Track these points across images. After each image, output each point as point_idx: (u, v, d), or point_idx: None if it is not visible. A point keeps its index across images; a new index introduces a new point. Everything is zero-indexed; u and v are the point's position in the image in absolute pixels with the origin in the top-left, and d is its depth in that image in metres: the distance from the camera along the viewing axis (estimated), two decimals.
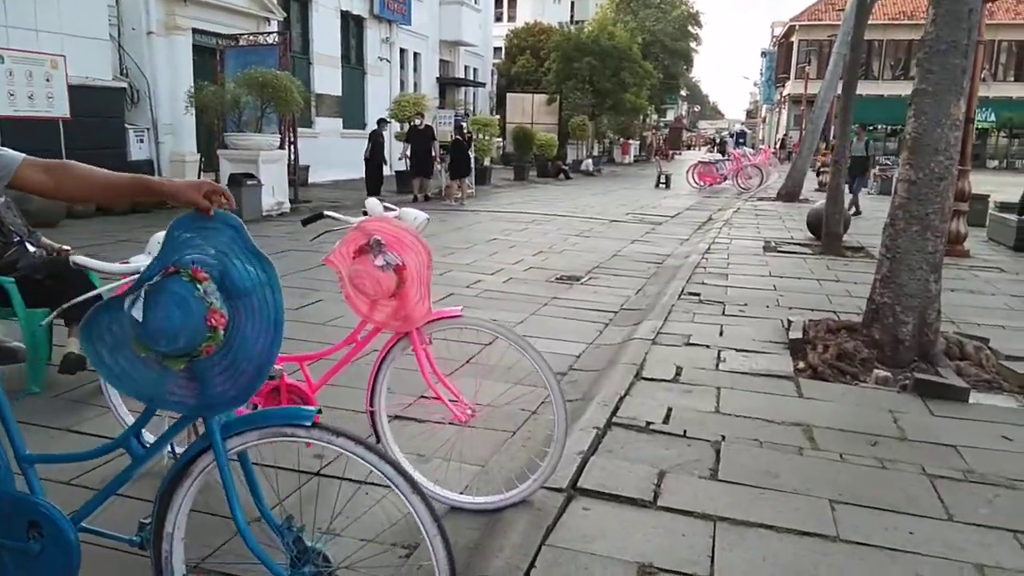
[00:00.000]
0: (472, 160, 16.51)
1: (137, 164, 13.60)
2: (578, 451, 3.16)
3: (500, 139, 32.15)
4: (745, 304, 6.19)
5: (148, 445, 1.82)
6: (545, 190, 20.19)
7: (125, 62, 13.86)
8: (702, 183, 22.06)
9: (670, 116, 68.52)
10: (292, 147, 13.74)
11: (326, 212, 2.89)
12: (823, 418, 3.73)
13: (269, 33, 13.95)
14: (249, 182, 11.18)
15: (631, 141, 41.72)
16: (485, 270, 7.69)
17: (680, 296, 6.43)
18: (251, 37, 13.93)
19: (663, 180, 22.09)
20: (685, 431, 3.50)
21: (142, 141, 13.89)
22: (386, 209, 2.89)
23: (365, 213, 2.81)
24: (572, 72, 30.95)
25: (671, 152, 46.36)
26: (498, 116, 33.07)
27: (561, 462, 2.87)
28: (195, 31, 14.87)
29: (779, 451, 3.33)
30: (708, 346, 4.90)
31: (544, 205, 15.44)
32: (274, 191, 12.00)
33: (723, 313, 5.88)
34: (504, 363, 3.63)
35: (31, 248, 4.06)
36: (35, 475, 1.84)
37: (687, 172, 22.76)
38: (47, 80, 10.78)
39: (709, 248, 9.38)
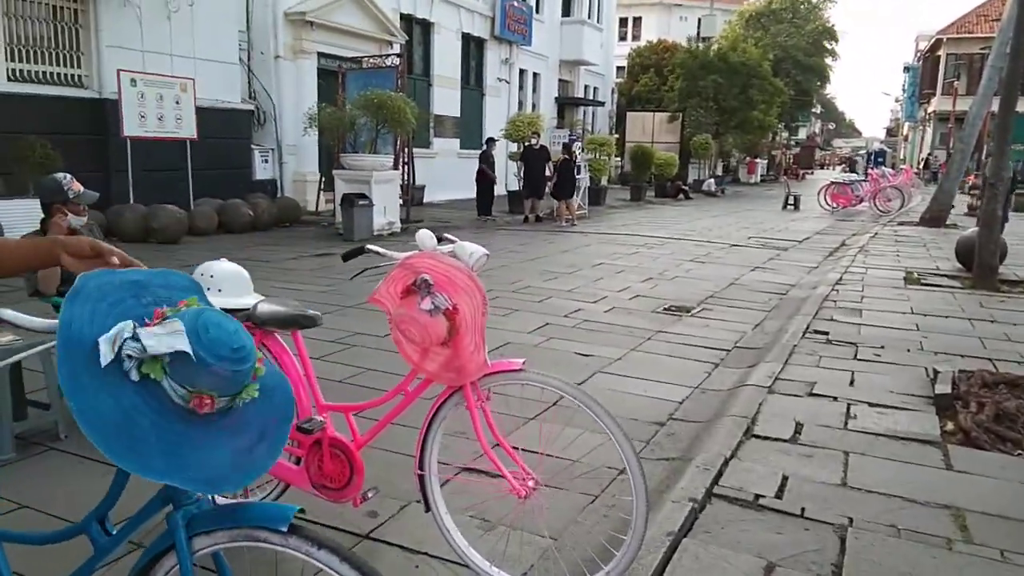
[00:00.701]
0: (580, 180, 16.10)
1: (261, 183, 14.12)
2: (667, 532, 2.65)
3: (618, 159, 31.65)
4: (882, 347, 5.41)
5: (113, 533, 1.50)
6: (662, 211, 19.45)
7: (253, 85, 14.44)
8: (835, 205, 20.61)
9: (802, 134, 65.49)
10: (406, 167, 13.81)
11: (368, 247, 2.55)
12: (978, 500, 3.03)
13: (388, 56, 14.13)
14: (361, 202, 11.25)
15: (758, 160, 40.02)
16: (587, 297, 7.23)
17: (804, 334, 5.72)
18: (371, 60, 14.16)
19: (791, 201, 20.80)
20: (803, 510, 2.91)
21: (266, 161, 14.40)
22: (442, 241, 2.51)
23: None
24: (696, 90, 29.98)
25: (801, 171, 44.12)
26: (617, 135, 32.63)
27: (645, 545, 2.38)
28: (320, 55, 15.34)
29: (922, 544, 2.68)
30: (835, 398, 4.22)
31: (659, 227, 14.77)
32: (386, 211, 12.04)
33: (855, 357, 5.14)
34: (575, 423, 3.15)
35: None
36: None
37: (819, 193, 21.34)
38: (176, 102, 11.30)
39: (841, 278, 8.49)
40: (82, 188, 3.89)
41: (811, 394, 4.29)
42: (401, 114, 11.56)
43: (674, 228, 14.63)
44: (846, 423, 3.86)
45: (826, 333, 5.79)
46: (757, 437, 3.64)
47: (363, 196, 11.35)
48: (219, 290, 2.65)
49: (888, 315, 6.56)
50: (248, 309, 2.56)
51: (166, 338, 1.25)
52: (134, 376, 1.25)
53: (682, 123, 30.09)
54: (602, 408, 2.25)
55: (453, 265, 2.21)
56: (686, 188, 25.00)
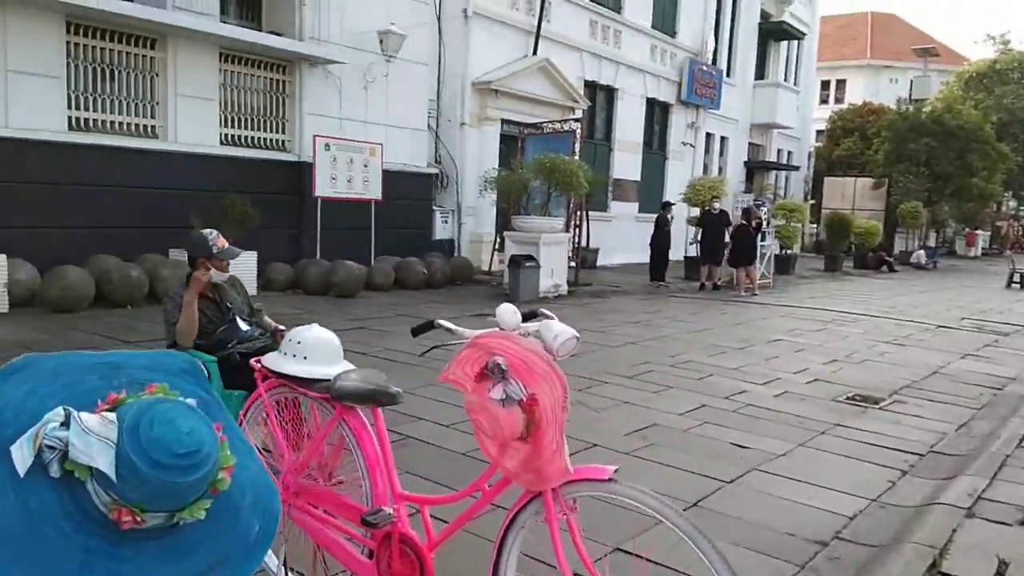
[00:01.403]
0: (765, 248, 15.13)
1: (440, 242, 14.59)
2: None
3: (814, 225, 29.72)
4: None
5: None
6: (860, 284, 17.77)
7: (439, 150, 15.10)
8: None
9: None
10: (577, 230, 13.67)
11: (438, 321, 2.26)
12: None
13: (565, 120, 14.24)
14: (528, 264, 11.20)
15: (979, 232, 35.93)
16: (756, 378, 6.51)
17: (1021, 443, 4.70)
18: (550, 125, 14.33)
19: (1017, 279, 18.23)
20: None
21: (446, 222, 14.89)
22: (529, 318, 2.18)
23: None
24: (905, 154, 27.60)
25: None
26: (813, 201, 30.72)
27: None
28: (504, 121, 15.79)
29: None
30: None
31: (854, 302, 13.41)
32: (553, 273, 11.91)
33: None
34: (678, 556, 2.59)
35: (243, 326, 4.04)
36: None
37: None
38: (365, 166, 11.98)
39: None
40: (227, 244, 4.00)
41: (1022, 523, 3.41)
42: (573, 177, 11.48)
43: (871, 303, 13.22)
44: None
45: None
46: (944, 575, 2.89)
47: (531, 258, 11.30)
48: (304, 357, 2.50)
49: None
50: (328, 380, 2.38)
51: (95, 442, 1.01)
52: (54, 471, 1.03)
53: (888, 189, 27.78)
54: (710, 544, 1.77)
55: (531, 349, 1.87)
56: (890, 259, 22.84)
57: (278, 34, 11.60)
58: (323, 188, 11.28)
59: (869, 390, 6.30)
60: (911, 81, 35.50)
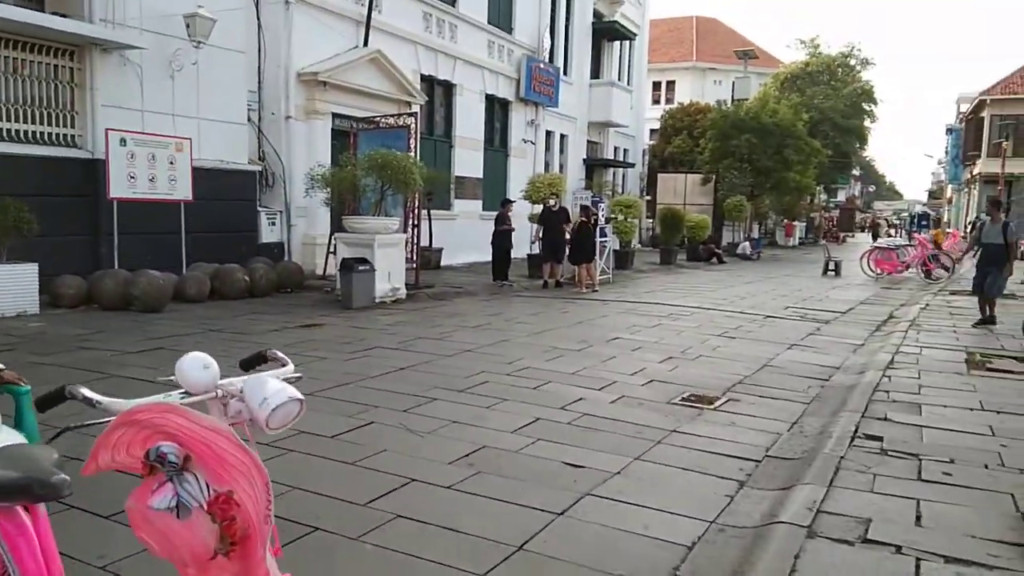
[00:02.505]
0: (604, 244, 15.27)
1: (267, 246, 13.51)
2: None
3: (650, 220, 30.80)
4: (951, 460, 4.31)
5: None
6: (693, 276, 18.41)
7: (263, 146, 13.96)
8: (879, 271, 19.35)
9: (841, 196, 64.26)
10: (415, 230, 13.07)
11: (71, 388, 1.60)
12: None
13: (399, 115, 13.57)
14: (361, 267, 10.48)
15: (796, 223, 38.85)
16: (593, 382, 6.22)
17: (853, 440, 4.64)
18: (383, 119, 13.63)
19: (832, 267, 19.61)
20: None
21: (274, 224, 13.81)
22: (254, 364, 1.60)
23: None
24: (729, 150, 29.21)
25: (841, 235, 42.72)
26: (648, 197, 31.86)
27: None
28: (335, 115, 14.87)
29: None
30: (898, 548, 3.14)
31: (687, 294, 13.74)
32: (390, 276, 11.25)
33: (919, 476, 4.05)
34: None
35: None
36: None
37: (861, 258, 20.12)
38: (171, 163, 10.76)
39: (892, 360, 7.37)
40: None
41: (865, 540, 3.20)
42: (407, 174, 10.88)
43: (703, 296, 13.58)
44: None
45: (879, 439, 4.69)
46: None
47: (364, 260, 10.59)
48: None
49: (953, 412, 5.43)
50: None
51: None
52: None
53: (715, 185, 29.27)
54: None
55: (216, 428, 1.27)
56: (719, 251, 23.96)
57: (62, 15, 10.14)
58: (119, 188, 9.99)
59: (704, 389, 6.18)
60: (733, 82, 37.75)
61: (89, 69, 10.41)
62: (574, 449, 4.45)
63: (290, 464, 4.02)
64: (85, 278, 9.72)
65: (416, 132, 12.98)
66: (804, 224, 42.58)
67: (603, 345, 8.05)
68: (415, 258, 12.99)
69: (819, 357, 7.86)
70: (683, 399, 5.80)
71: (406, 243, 12.36)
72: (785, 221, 37.68)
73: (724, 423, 5.19)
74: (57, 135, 10.29)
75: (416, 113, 13.41)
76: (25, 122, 9.91)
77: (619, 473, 4.09)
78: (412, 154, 12.27)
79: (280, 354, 1.69)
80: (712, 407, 5.60)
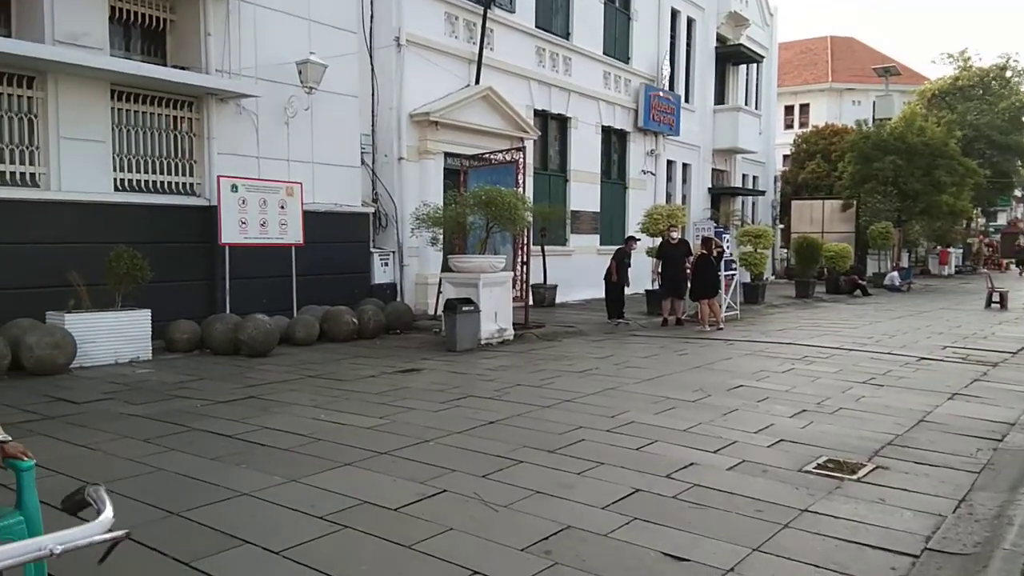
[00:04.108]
0: (730, 277, 14.21)
1: (380, 287, 13.49)
2: None
3: (784, 249, 29.00)
4: None
5: None
6: (833, 311, 16.83)
7: (376, 188, 14.02)
8: None
9: (1002, 220, 58.59)
10: (525, 267, 12.59)
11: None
12: None
13: (508, 151, 13.22)
14: (465, 308, 10.07)
15: (951, 250, 35.47)
16: (708, 443, 5.37)
17: None
18: (491, 156, 13.35)
19: (996, 299, 17.41)
20: None
21: (387, 264, 13.78)
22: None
23: None
24: (871, 174, 27.09)
25: (1005, 262, 38.58)
26: (782, 226, 30.06)
27: None
28: (447, 154, 14.78)
29: None
30: None
31: (826, 333, 12.40)
32: (497, 316, 10.78)
33: None
34: None
35: None
36: None
37: None
38: (282, 207, 10.86)
39: None
40: None
41: None
42: (513, 210, 10.43)
43: (845, 334, 12.21)
44: None
45: None
46: None
47: (468, 301, 10.18)
48: None
49: None
50: None
51: None
52: None
53: (857, 210, 27.18)
54: None
55: None
56: (863, 283, 22.02)
57: (182, 68, 10.54)
58: (231, 234, 10.12)
59: (844, 451, 5.19)
60: (873, 102, 35.35)
61: (206, 119, 10.72)
62: (677, 534, 3.68)
63: (340, 544, 3.50)
64: (199, 323, 9.87)
65: (525, 167, 12.57)
66: (960, 251, 38.87)
67: (723, 395, 7.14)
68: (524, 296, 12.49)
69: (988, 410, 6.59)
70: (818, 466, 4.85)
71: (514, 281, 11.90)
72: (938, 248, 34.49)
73: (870, 499, 4.23)
74: (177, 184, 10.63)
75: (524, 148, 12.99)
76: (147, 172, 10.29)
77: (732, 571, 3.28)
78: (520, 189, 11.85)
79: (102, 494, 1.14)
80: (855, 477, 4.63)
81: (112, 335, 8.67)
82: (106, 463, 4.78)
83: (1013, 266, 34.76)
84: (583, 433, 5.57)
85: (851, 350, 10.34)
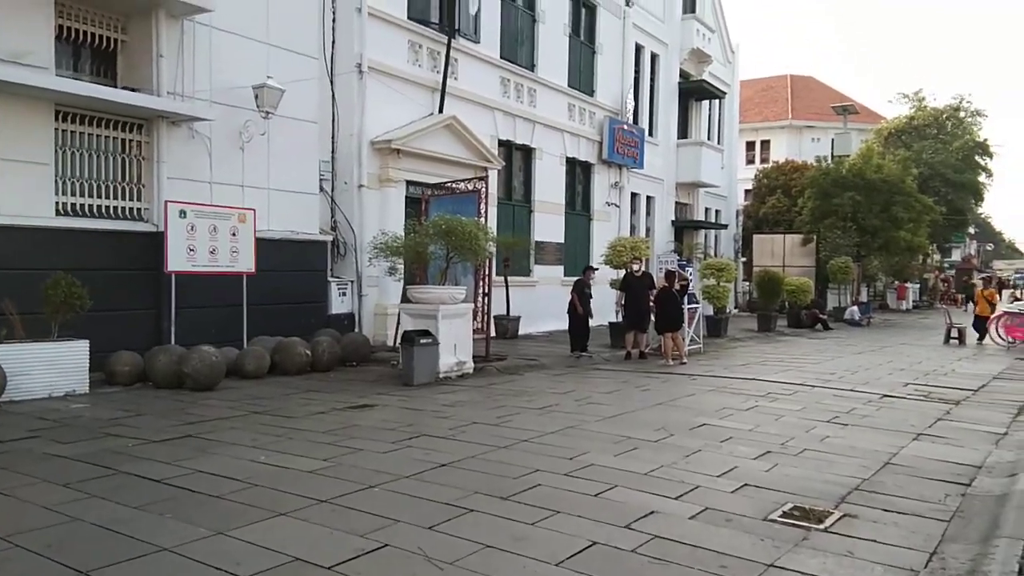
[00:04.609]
0: (694, 310, 14.13)
1: (337, 317, 13.12)
2: None
3: (746, 283, 29.19)
4: None
5: None
6: (795, 345, 16.83)
7: (336, 215, 13.70)
8: (1011, 339, 17.16)
9: (956, 256, 60.08)
10: (486, 298, 12.33)
11: None
12: None
13: (469, 180, 13.03)
14: (423, 340, 9.75)
15: (908, 284, 36.09)
16: (670, 488, 5.11)
17: None
18: (453, 185, 13.14)
19: (955, 334, 17.60)
20: None
21: (344, 294, 13.42)
22: None
23: None
24: (831, 209, 27.52)
25: (960, 297, 39.36)
26: (744, 259, 30.30)
27: None
28: (409, 183, 14.55)
29: None
30: None
31: (788, 368, 12.32)
32: (456, 349, 10.47)
33: None
34: None
35: None
36: None
37: (990, 324, 17.97)
38: (233, 234, 10.48)
39: None
40: None
41: None
42: (473, 240, 10.19)
43: (807, 370, 12.13)
44: None
45: None
46: None
47: (427, 333, 9.87)
48: None
49: None
50: None
51: None
52: None
53: (817, 245, 27.53)
54: None
55: None
56: (824, 317, 22.14)
57: (134, 90, 10.17)
58: (177, 262, 9.71)
59: (810, 497, 4.97)
60: (832, 139, 36.08)
61: (156, 142, 10.34)
62: None
63: None
64: (143, 355, 9.40)
65: (486, 196, 12.36)
66: (918, 286, 39.58)
67: (686, 434, 6.91)
68: (485, 328, 12.21)
69: (954, 451, 6.46)
70: (784, 514, 4.62)
71: (475, 312, 11.62)
72: (896, 283, 35.06)
73: (838, 552, 4.00)
74: (124, 209, 10.20)
75: (486, 177, 12.80)
76: (92, 196, 9.85)
77: None
78: (482, 219, 11.63)
79: None
80: (822, 527, 4.41)
81: (47, 367, 8.17)
82: (17, 511, 4.36)
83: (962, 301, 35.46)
84: (539, 477, 5.28)
85: (814, 386, 10.22)
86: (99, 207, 9.92)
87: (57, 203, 9.44)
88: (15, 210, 8.89)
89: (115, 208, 10.10)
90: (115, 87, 10.15)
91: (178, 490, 4.84)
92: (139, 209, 10.36)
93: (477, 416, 7.56)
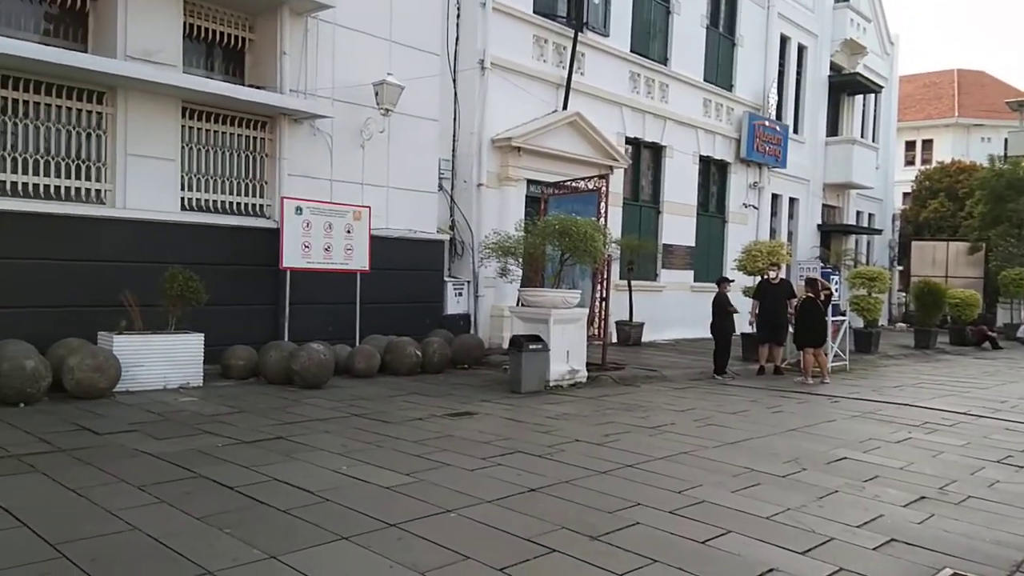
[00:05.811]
0: (839, 323, 12.77)
1: (453, 318, 12.87)
2: None
3: (902, 293, 26.75)
4: None
5: None
6: (957, 365, 14.95)
7: (454, 214, 13.47)
8: None
9: None
10: (604, 303, 11.64)
11: None
12: None
13: (589, 178, 12.38)
14: (532, 346, 9.23)
15: None
16: (796, 539, 4.28)
17: None
18: (572, 183, 12.55)
19: None
20: None
21: (460, 295, 13.15)
22: None
23: None
24: (1004, 215, 24.61)
25: None
26: (900, 268, 27.77)
27: None
28: (530, 181, 14.12)
29: None
30: None
31: (950, 393, 10.81)
32: (568, 356, 9.88)
33: None
34: None
35: None
36: None
37: None
38: (348, 232, 10.41)
39: None
40: None
41: None
42: (588, 242, 9.55)
43: (973, 396, 10.59)
44: None
45: None
46: None
47: (536, 338, 9.34)
48: None
49: None
50: None
51: None
52: None
53: (986, 254, 24.75)
54: None
55: None
56: (993, 335, 19.74)
57: (258, 87, 10.32)
58: (292, 258, 9.73)
59: (975, 562, 4.00)
60: (1005, 138, 32.48)
61: (279, 139, 10.45)
62: None
63: None
64: (257, 350, 9.47)
65: (607, 195, 11.67)
66: None
67: (821, 470, 5.96)
68: (603, 335, 11.53)
69: None
70: None
71: (592, 318, 10.98)
72: None
73: None
74: (245, 205, 10.37)
75: (608, 176, 12.11)
76: (216, 192, 10.07)
77: None
78: (601, 220, 10.97)
79: None
80: None
81: (162, 359, 8.32)
82: (82, 515, 4.20)
83: None
84: (639, 513, 4.60)
85: (981, 416, 8.82)
86: (222, 203, 10.12)
87: (182, 198, 9.69)
88: (143, 204, 9.17)
89: (237, 204, 10.27)
90: (242, 85, 10.34)
91: (248, 500, 4.55)
92: (260, 205, 10.50)
93: (581, 432, 6.94)
